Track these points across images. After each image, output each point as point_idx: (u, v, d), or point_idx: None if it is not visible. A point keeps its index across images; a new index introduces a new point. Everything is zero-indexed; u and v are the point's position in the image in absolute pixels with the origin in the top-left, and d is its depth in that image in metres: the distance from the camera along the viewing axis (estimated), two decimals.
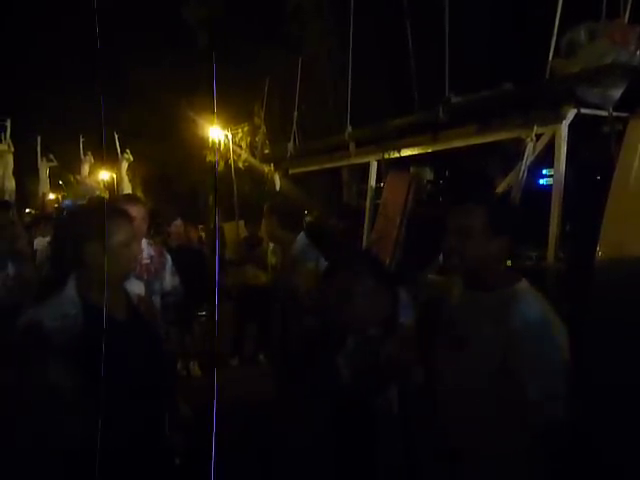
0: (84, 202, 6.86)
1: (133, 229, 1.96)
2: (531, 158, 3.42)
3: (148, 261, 3.38)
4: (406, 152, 4.21)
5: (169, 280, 3.52)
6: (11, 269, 3.38)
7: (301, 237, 3.31)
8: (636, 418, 2.27)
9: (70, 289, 1.80)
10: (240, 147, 12.54)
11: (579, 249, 3.25)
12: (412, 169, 4.77)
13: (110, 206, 2.17)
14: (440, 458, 1.83)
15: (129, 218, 1.97)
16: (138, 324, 1.94)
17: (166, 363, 2.17)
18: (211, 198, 13.59)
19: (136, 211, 3.20)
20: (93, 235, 1.75)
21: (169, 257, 3.63)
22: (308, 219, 5.71)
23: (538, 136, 3.37)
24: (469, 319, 1.81)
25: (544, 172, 3.87)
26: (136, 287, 2.09)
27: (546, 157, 3.45)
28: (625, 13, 3.07)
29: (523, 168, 3.43)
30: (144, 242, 3.52)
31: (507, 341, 1.69)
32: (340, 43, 4.81)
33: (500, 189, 3.61)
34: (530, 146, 3.39)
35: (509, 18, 3.87)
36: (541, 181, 3.96)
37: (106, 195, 11.38)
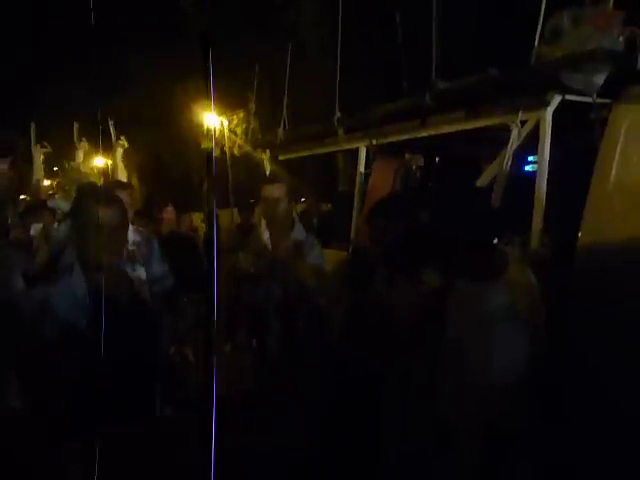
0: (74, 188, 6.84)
1: (125, 214, 2.01)
2: (516, 144, 3.44)
3: (134, 248, 3.37)
4: (394, 138, 4.21)
5: (156, 267, 3.51)
6: None
7: (298, 223, 3.33)
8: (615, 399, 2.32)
9: (77, 272, 1.87)
10: (235, 134, 12.50)
11: (563, 235, 3.26)
12: (404, 155, 4.79)
13: (103, 192, 2.23)
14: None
15: (121, 204, 2.01)
16: (139, 306, 2.04)
17: (163, 343, 2.21)
18: (206, 185, 13.56)
19: (123, 197, 3.21)
20: (85, 219, 1.81)
21: (156, 244, 3.63)
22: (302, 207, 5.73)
23: (523, 122, 3.39)
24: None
25: (530, 159, 3.88)
26: (141, 272, 2.16)
27: (532, 143, 3.46)
28: None
29: (508, 154, 3.45)
30: (130, 228, 3.52)
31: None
32: (330, 29, 4.79)
33: (485, 176, 3.62)
34: (515, 132, 3.40)
35: (497, 3, 3.86)
36: (527, 167, 3.96)
37: (100, 181, 11.34)
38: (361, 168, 4.50)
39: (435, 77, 3.71)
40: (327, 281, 2.99)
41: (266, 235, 3.32)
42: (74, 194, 4.47)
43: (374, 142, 4.21)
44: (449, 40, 3.72)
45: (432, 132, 3.93)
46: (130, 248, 3.31)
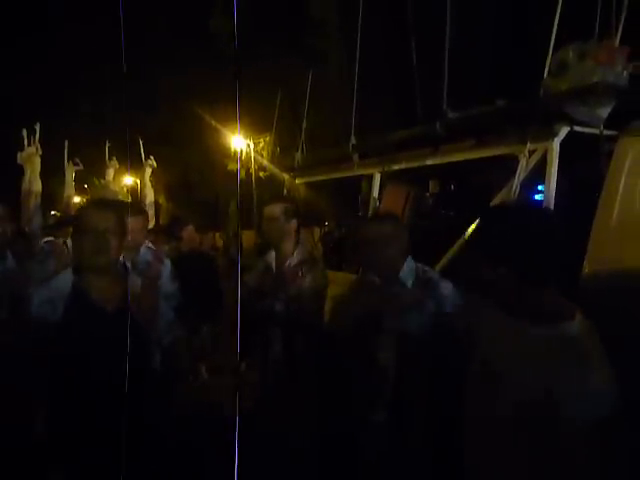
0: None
1: (118, 221, 2.07)
2: (524, 174, 3.47)
3: (144, 267, 3.44)
4: (406, 165, 4.28)
5: (166, 285, 3.56)
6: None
7: (302, 244, 3.38)
8: None
9: (67, 272, 2.00)
10: (261, 156, 12.72)
11: (568, 266, 3.27)
12: (420, 182, 4.85)
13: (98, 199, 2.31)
14: None
15: (114, 210, 2.08)
16: (126, 315, 2.01)
17: (149, 362, 2.21)
18: (232, 205, 13.79)
19: (135, 221, 3.31)
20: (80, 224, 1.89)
21: (169, 263, 3.70)
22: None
23: (531, 152, 3.42)
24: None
25: (539, 188, 3.90)
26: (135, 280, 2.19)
27: (541, 173, 3.49)
28: (617, 33, 3.10)
29: (516, 184, 3.48)
30: (143, 248, 3.62)
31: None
32: (349, 56, 4.92)
33: (494, 204, 3.65)
34: (523, 162, 3.44)
35: (508, 35, 3.93)
36: (537, 197, 3.98)
37: (128, 199, 11.62)
38: (374, 193, 4.57)
39: (446, 106, 3.78)
40: (332, 302, 3.05)
41: (272, 255, 3.38)
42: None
43: (386, 169, 4.28)
44: (461, 69, 3.79)
45: (443, 160, 3.99)
46: (140, 267, 3.39)
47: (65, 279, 1.98)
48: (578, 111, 3.03)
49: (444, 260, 3.86)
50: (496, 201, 3.64)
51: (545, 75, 3.29)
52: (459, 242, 3.85)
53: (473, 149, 3.73)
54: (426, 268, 2.48)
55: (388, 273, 2.40)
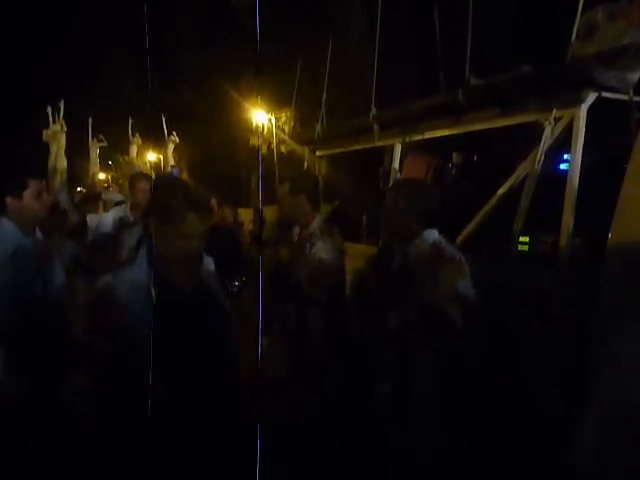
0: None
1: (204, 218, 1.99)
2: (549, 143, 3.38)
3: None
4: (428, 135, 4.20)
5: None
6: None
7: (319, 216, 3.39)
8: None
9: (141, 260, 1.90)
10: (283, 131, 12.66)
11: (594, 236, 3.18)
12: (442, 152, 4.76)
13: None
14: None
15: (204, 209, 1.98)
16: (206, 297, 1.99)
17: (231, 335, 2.16)
18: (253, 181, 13.81)
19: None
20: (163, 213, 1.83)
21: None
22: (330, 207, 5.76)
23: (557, 120, 3.32)
24: None
25: (565, 157, 3.79)
26: (209, 264, 2.17)
27: (567, 141, 3.39)
28: None
29: (540, 153, 3.39)
30: None
31: None
32: (368, 25, 4.82)
33: (517, 174, 3.58)
34: (548, 130, 3.34)
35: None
36: (562, 166, 3.88)
37: (152, 175, 11.70)
38: (395, 165, 4.51)
39: (468, 74, 3.68)
40: (351, 274, 3.05)
41: (297, 229, 3.40)
42: (128, 186, 4.67)
43: (407, 139, 4.21)
44: (484, 36, 3.67)
45: (465, 129, 3.90)
46: None
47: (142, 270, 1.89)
48: (607, 76, 2.92)
49: (466, 231, 3.81)
50: (520, 170, 3.56)
51: (572, 38, 3.17)
52: (482, 213, 3.79)
53: (497, 118, 3.64)
54: (443, 241, 2.45)
55: (405, 239, 2.37)
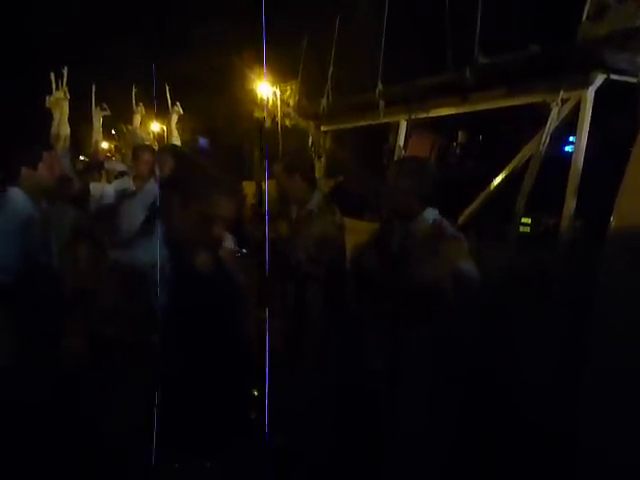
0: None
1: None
2: (555, 124, 3.36)
3: None
4: (434, 113, 4.17)
5: None
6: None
7: (316, 193, 3.42)
8: None
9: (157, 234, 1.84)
10: (288, 105, 12.52)
11: (595, 219, 3.19)
12: (447, 131, 4.74)
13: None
14: None
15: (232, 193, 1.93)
16: (222, 278, 1.96)
17: (247, 311, 2.16)
18: (256, 154, 13.74)
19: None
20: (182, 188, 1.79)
21: None
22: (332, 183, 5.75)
23: (564, 101, 3.30)
24: None
25: (571, 139, 3.77)
26: (227, 240, 2.14)
27: (573, 123, 3.37)
28: None
29: (546, 134, 3.38)
30: None
31: None
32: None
33: (521, 155, 3.57)
34: (555, 111, 3.32)
35: None
36: (567, 148, 3.86)
37: (156, 146, 11.66)
38: (400, 142, 4.48)
39: (477, 52, 3.64)
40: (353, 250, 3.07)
41: (295, 207, 3.44)
42: (131, 157, 4.66)
43: (413, 117, 4.18)
44: (493, 14, 3.62)
45: (472, 108, 3.88)
46: None
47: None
48: (616, 58, 2.89)
49: (469, 211, 3.81)
50: (525, 151, 3.55)
51: (583, 19, 3.13)
52: (485, 193, 3.79)
53: (503, 97, 3.61)
54: (444, 220, 2.46)
55: (406, 217, 2.39)
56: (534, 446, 2.44)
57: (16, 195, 2.50)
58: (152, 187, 3.58)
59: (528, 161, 3.50)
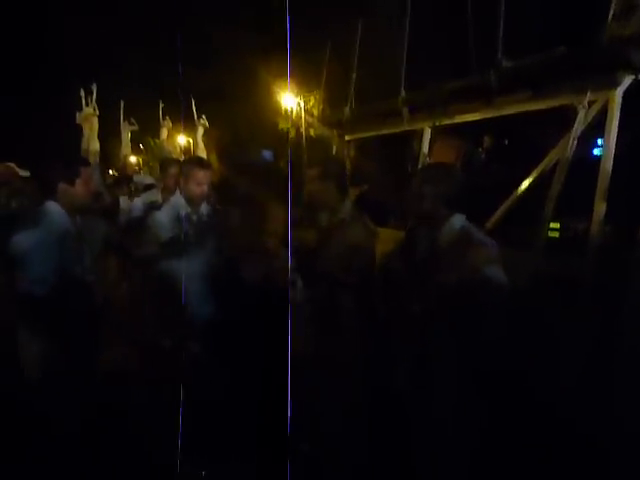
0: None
1: None
2: (582, 127, 3.31)
3: (207, 219, 3.54)
4: (458, 119, 4.14)
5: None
6: None
7: (347, 201, 3.40)
8: None
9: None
10: (312, 114, 12.61)
11: (625, 223, 3.12)
12: (473, 136, 4.70)
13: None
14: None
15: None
16: (271, 291, 2.06)
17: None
18: (281, 164, 13.81)
19: (204, 175, 3.39)
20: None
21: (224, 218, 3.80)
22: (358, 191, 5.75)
23: (591, 103, 3.25)
24: None
25: (599, 142, 3.70)
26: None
27: (601, 126, 3.31)
28: None
29: (573, 137, 3.33)
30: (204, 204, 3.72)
31: None
32: (400, 6, 4.73)
33: (548, 159, 3.52)
34: (582, 114, 3.28)
35: None
36: (596, 151, 3.79)
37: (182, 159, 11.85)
38: (424, 149, 4.47)
39: (501, 55, 3.61)
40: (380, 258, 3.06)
41: (323, 215, 3.41)
42: (159, 170, 4.75)
43: (437, 123, 4.16)
44: (516, 15, 3.58)
45: (497, 113, 3.84)
46: (203, 219, 3.50)
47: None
48: None
49: (496, 216, 3.77)
50: (552, 155, 3.50)
51: (609, 19, 3.08)
52: (512, 198, 3.75)
53: (529, 101, 3.57)
54: (471, 226, 2.43)
55: (432, 224, 2.37)
56: (566, 448, 2.39)
57: (53, 209, 2.56)
58: (178, 199, 3.65)
59: (555, 165, 3.44)
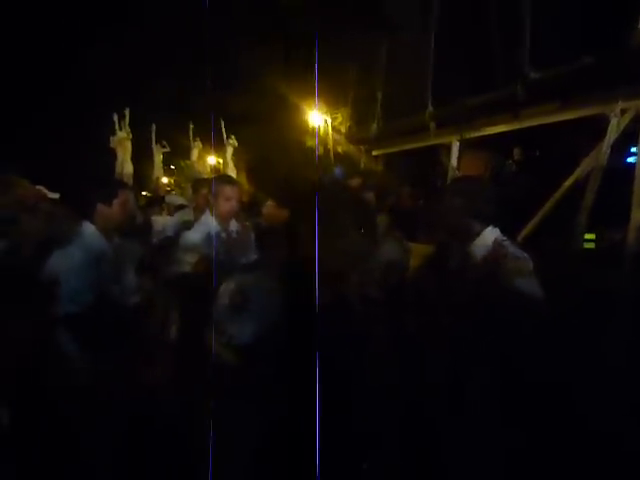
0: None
1: None
2: (615, 135, 3.25)
3: (236, 236, 3.59)
4: (486, 131, 4.12)
5: (250, 254, 3.71)
6: None
7: (383, 216, 3.39)
8: None
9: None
10: (339, 132, 12.69)
11: None
12: (500, 148, 4.66)
13: None
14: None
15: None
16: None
17: None
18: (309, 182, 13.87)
19: (233, 191, 3.45)
20: None
21: (252, 234, 3.83)
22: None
23: (623, 111, 3.20)
24: None
25: (632, 150, 3.63)
26: None
27: (634, 134, 3.25)
28: None
29: (606, 146, 3.27)
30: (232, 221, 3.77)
31: None
32: (425, 23, 4.76)
33: (581, 169, 3.46)
34: (614, 122, 3.22)
35: None
36: (629, 159, 3.71)
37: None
38: (452, 162, 4.45)
39: (527, 67, 3.58)
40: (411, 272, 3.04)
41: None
42: (191, 190, 4.85)
43: (465, 136, 4.14)
44: (542, 26, 3.56)
45: (525, 125, 3.80)
46: (233, 237, 3.54)
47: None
48: None
49: (528, 228, 3.71)
50: (584, 165, 3.44)
51: (638, 26, 3.04)
52: (544, 209, 3.69)
53: (558, 112, 3.53)
54: (504, 239, 2.39)
55: (464, 238, 2.34)
56: (612, 468, 2.31)
57: (89, 230, 2.63)
58: (208, 218, 3.70)
59: (588, 174, 3.38)
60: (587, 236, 3.52)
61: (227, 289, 2.23)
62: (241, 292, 1.92)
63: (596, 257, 3.49)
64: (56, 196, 4.42)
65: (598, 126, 3.41)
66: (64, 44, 15.89)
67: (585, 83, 3.29)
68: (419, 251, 3.69)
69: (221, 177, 4.50)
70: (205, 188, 4.14)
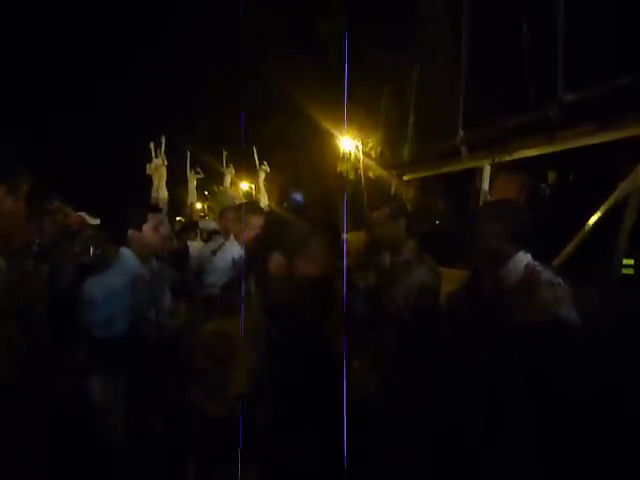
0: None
1: None
2: None
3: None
4: (519, 155, 4.07)
5: None
6: None
7: (410, 241, 3.37)
8: None
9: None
10: (370, 156, 12.75)
11: None
12: (534, 172, 4.59)
13: None
14: None
15: None
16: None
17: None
18: (339, 207, 13.91)
19: (257, 220, 3.50)
20: None
21: None
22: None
23: None
24: None
25: None
26: None
27: None
28: None
29: None
30: None
31: None
32: (457, 47, 4.77)
33: (619, 192, 3.38)
34: None
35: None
36: None
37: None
38: (485, 186, 4.40)
39: (561, 89, 3.54)
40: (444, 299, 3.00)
41: (386, 255, 3.39)
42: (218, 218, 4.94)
43: (497, 160, 4.10)
44: (576, 46, 3.52)
45: (559, 148, 3.75)
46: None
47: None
48: None
49: (564, 253, 3.63)
50: (622, 189, 3.36)
51: None
52: (581, 234, 3.60)
53: (593, 134, 3.46)
54: (537, 264, 2.34)
55: (497, 263, 2.30)
56: None
57: (125, 255, 2.69)
58: (232, 243, 3.77)
59: (626, 197, 3.30)
60: (626, 261, 3.42)
61: None
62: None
63: (635, 283, 3.38)
64: (97, 222, 4.56)
65: (635, 148, 3.34)
66: (108, 78, 16.57)
67: (621, 104, 3.22)
68: (453, 276, 3.64)
69: (249, 205, 4.57)
70: (231, 214, 4.21)
